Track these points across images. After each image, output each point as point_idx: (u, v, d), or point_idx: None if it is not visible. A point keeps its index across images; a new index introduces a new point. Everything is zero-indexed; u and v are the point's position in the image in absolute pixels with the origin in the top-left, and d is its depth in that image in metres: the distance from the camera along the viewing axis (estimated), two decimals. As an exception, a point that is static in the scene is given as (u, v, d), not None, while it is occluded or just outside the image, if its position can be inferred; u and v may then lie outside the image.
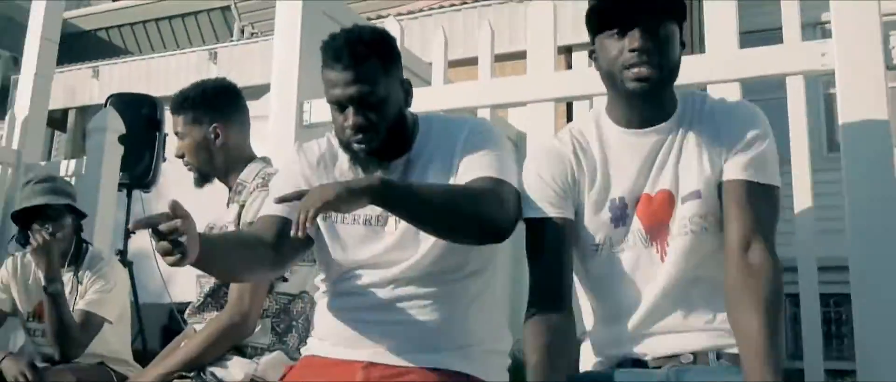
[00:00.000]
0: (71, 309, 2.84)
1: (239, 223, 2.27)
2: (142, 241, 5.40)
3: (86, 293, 2.89)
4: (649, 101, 1.69)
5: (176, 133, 2.43)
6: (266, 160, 2.44)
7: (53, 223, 2.87)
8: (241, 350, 2.26)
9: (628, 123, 1.73)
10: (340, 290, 1.88)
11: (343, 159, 1.87)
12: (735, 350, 1.58)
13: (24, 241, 2.92)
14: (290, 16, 3.08)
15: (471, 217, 1.67)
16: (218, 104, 2.39)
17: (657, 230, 1.69)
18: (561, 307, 1.70)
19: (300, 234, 1.56)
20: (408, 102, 1.87)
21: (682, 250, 1.66)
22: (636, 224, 1.71)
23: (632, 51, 1.63)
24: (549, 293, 1.71)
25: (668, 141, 1.70)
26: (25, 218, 2.90)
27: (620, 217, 1.71)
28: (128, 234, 5.25)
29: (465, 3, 6.86)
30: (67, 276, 2.93)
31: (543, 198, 1.74)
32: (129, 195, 5.31)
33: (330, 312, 1.90)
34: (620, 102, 1.73)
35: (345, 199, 1.57)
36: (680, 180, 1.68)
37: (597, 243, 1.73)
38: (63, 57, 10.36)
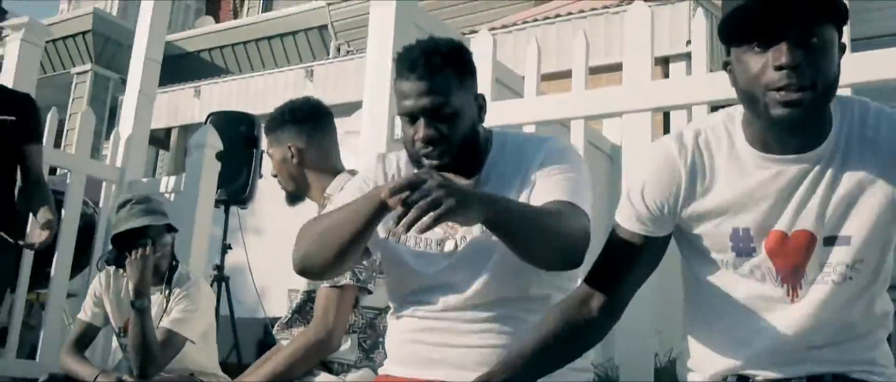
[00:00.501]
0: (155, 327, 2.86)
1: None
2: (238, 256, 5.52)
3: (171, 312, 2.91)
4: (798, 128, 1.39)
5: (268, 153, 2.49)
6: (354, 173, 2.41)
7: (155, 244, 2.89)
8: (328, 367, 2.24)
9: (766, 147, 1.45)
10: (404, 314, 1.84)
11: None
12: (856, 376, 1.43)
13: (116, 262, 2.96)
14: (382, 31, 3.08)
15: (550, 239, 1.58)
16: (294, 124, 2.41)
17: (790, 272, 1.46)
18: (597, 309, 1.60)
19: (403, 232, 1.50)
20: (481, 118, 1.81)
21: (820, 299, 1.44)
22: (764, 259, 1.47)
23: (778, 68, 1.32)
24: (592, 291, 1.61)
25: (815, 171, 1.42)
26: (125, 240, 2.93)
27: (745, 250, 1.48)
28: (225, 249, 5.36)
29: (559, 15, 6.76)
30: (158, 295, 2.97)
31: (635, 214, 1.56)
32: (226, 211, 5.40)
33: (397, 334, 1.87)
34: (760, 124, 1.43)
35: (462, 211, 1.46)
36: (826, 220, 1.42)
37: (714, 258, 1.53)
38: (167, 78, 10.76)
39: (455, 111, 1.70)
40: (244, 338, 5.28)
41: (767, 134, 1.43)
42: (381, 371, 1.94)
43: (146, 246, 2.79)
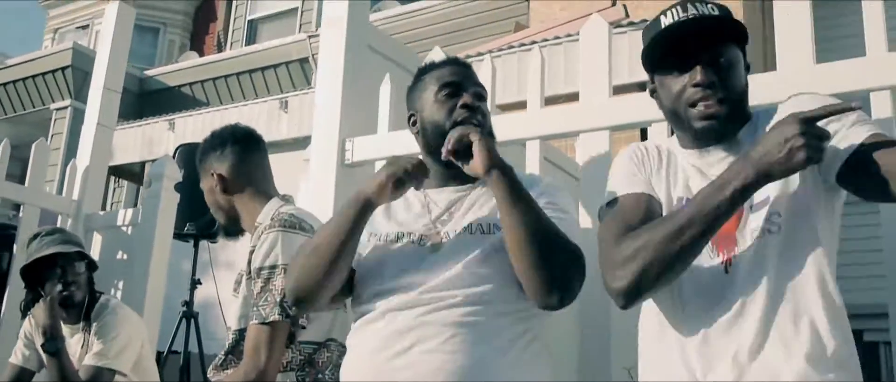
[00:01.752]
0: (80, 365, 2.71)
1: (249, 267, 2.11)
2: (209, 291, 5.36)
3: (92, 346, 2.76)
4: (718, 136, 1.61)
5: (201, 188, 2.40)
6: (286, 198, 2.28)
7: (67, 273, 2.77)
8: (265, 407, 2.08)
9: (695, 146, 1.67)
10: (369, 320, 1.78)
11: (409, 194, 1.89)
12: None
13: (30, 306, 2.83)
14: (333, 53, 2.95)
15: (559, 257, 1.65)
16: (214, 150, 2.33)
17: (724, 238, 1.54)
18: None
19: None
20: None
21: (748, 258, 1.51)
22: None
23: (695, 86, 1.56)
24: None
25: (735, 155, 1.59)
26: (36, 274, 2.80)
27: None
28: (194, 285, 5.20)
29: (535, 42, 6.66)
30: (79, 334, 2.82)
31: (634, 181, 1.66)
32: (195, 246, 5.26)
33: (354, 349, 1.81)
34: (687, 134, 1.66)
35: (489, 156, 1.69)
36: (774, 197, 1.54)
37: None
38: (150, 112, 10.63)
39: (487, 109, 1.91)
40: (213, 376, 5.11)
41: (694, 142, 1.65)
42: None
43: (58, 280, 2.67)
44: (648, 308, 1.66)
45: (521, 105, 2.65)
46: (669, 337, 1.57)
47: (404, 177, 1.72)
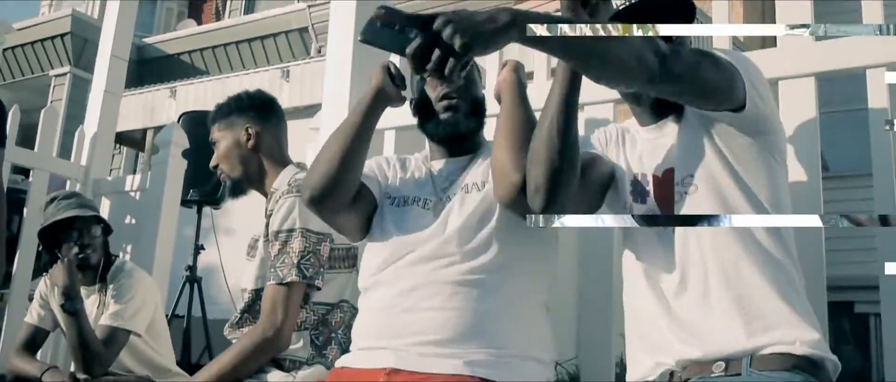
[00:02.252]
0: (96, 325, 2.79)
1: (267, 231, 2.20)
2: (212, 256, 5.44)
3: (108, 307, 2.84)
4: (673, 106, 1.73)
5: (211, 143, 2.43)
6: (301, 166, 2.37)
7: (84, 236, 2.85)
8: (279, 364, 2.18)
9: (653, 121, 1.79)
10: (378, 280, 1.87)
11: (416, 160, 2.08)
12: (769, 350, 1.49)
13: (49, 266, 2.90)
14: (343, 27, 3.01)
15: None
16: (251, 109, 2.41)
17: (667, 206, 1.69)
18: None
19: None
20: (483, 109, 2.06)
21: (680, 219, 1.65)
22: (651, 202, 1.73)
23: None
24: None
25: (674, 131, 1.74)
26: (54, 236, 2.88)
27: (641, 194, 1.75)
28: (198, 250, 5.28)
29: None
30: (95, 294, 2.90)
31: (588, 153, 1.80)
32: (198, 212, 5.34)
33: (364, 309, 1.91)
34: (646, 107, 1.79)
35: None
36: (682, 160, 1.69)
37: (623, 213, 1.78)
38: (149, 80, 10.66)
39: (473, 79, 2.01)
40: (217, 339, 5.19)
41: (652, 117, 1.78)
42: (339, 362, 1.93)
43: (74, 243, 2.74)
44: (625, 290, 1.78)
45: (527, 77, 2.71)
46: (643, 313, 1.68)
47: (390, 70, 1.92)
